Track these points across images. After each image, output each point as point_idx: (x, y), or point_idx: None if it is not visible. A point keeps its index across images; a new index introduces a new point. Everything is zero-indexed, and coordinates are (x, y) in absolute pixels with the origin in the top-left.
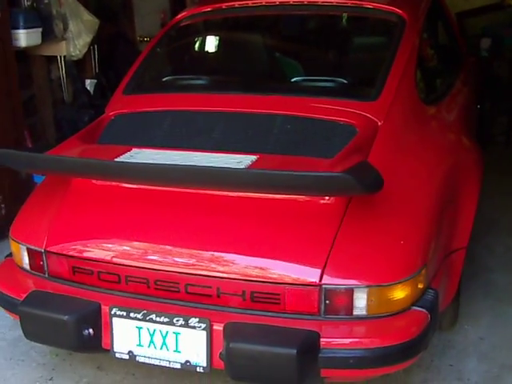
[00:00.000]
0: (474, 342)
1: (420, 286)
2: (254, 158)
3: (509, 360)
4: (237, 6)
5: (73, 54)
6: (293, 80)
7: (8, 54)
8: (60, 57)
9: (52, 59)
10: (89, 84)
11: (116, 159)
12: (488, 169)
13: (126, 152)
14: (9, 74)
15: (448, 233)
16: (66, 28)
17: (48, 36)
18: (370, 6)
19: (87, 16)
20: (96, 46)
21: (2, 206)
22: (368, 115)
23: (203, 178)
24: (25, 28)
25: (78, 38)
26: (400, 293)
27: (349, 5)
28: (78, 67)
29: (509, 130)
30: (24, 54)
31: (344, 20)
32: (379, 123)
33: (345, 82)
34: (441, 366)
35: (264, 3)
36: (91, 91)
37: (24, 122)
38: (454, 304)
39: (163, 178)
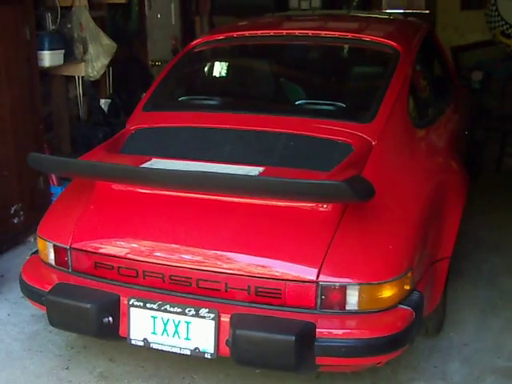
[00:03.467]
0: (458, 348)
1: (406, 287)
2: (261, 169)
3: (490, 364)
4: (247, 35)
5: (91, 74)
6: (297, 103)
7: (34, 73)
8: (78, 77)
9: (70, 79)
10: (103, 103)
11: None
12: (480, 193)
13: (146, 161)
14: (34, 92)
15: (433, 243)
16: (85, 51)
17: (69, 57)
18: (367, 38)
19: (106, 40)
20: (111, 68)
21: (21, 213)
22: (363, 135)
23: (220, 184)
24: (49, 49)
25: (96, 60)
26: (388, 291)
27: (349, 37)
28: (93, 87)
29: (500, 158)
30: (44, 73)
31: (344, 50)
32: (373, 143)
33: (343, 105)
34: (426, 367)
35: (272, 33)
36: (105, 110)
37: (44, 137)
38: (439, 311)
39: (185, 183)
